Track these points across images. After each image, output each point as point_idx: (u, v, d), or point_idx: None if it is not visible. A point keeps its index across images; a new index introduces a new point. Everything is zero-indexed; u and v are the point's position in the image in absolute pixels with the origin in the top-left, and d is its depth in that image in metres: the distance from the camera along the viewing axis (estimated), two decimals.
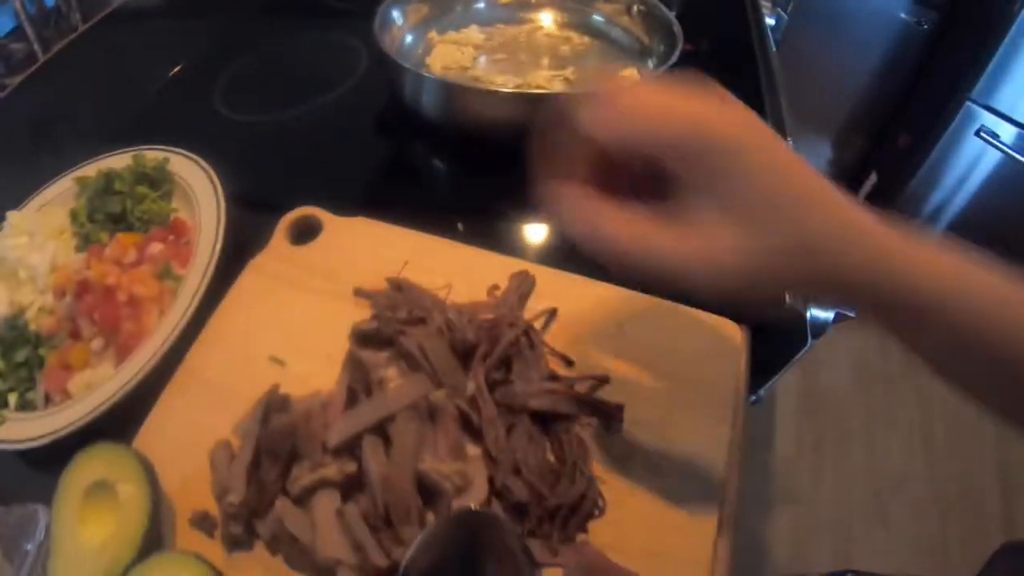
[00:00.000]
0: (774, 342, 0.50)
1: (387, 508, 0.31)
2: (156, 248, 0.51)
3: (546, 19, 0.76)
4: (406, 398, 0.34)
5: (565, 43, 0.74)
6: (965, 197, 2.19)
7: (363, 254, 0.49)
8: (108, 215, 0.55)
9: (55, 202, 0.58)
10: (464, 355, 0.37)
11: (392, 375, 0.37)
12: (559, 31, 0.75)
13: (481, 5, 0.77)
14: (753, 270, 0.25)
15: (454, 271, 0.47)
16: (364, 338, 0.41)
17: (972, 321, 0.25)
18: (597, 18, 0.76)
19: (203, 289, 0.47)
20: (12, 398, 0.46)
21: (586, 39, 0.74)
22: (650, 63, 0.68)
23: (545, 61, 0.71)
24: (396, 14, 0.70)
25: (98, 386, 0.44)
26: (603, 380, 0.40)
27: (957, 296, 0.25)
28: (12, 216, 0.56)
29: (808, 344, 0.54)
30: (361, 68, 0.76)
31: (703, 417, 0.40)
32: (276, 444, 0.33)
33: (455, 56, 0.71)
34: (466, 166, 0.65)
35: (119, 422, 0.41)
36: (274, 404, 0.36)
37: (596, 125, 0.26)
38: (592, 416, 0.37)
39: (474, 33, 0.74)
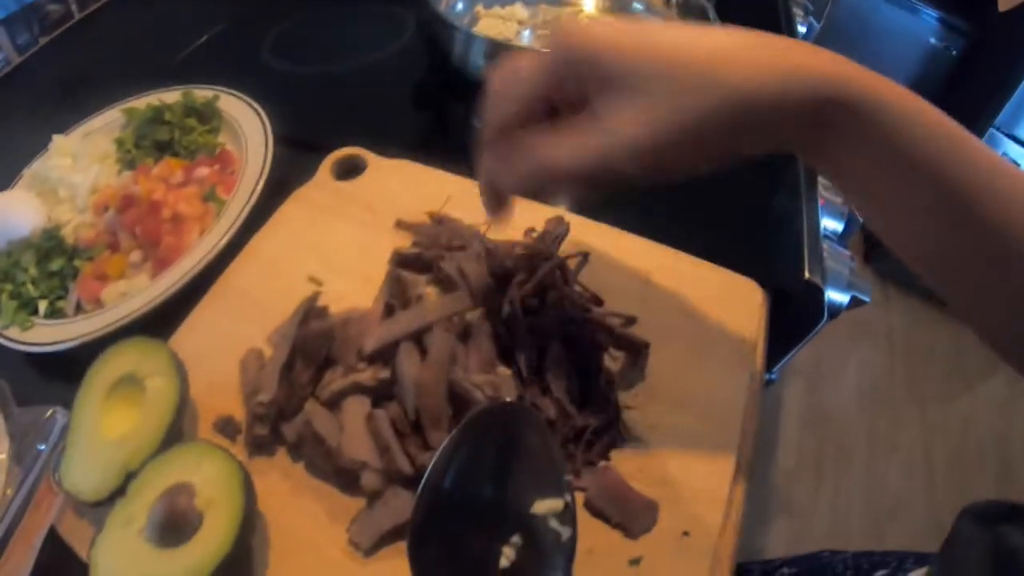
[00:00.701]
0: (791, 314, 0.51)
1: (418, 413, 0.32)
2: (203, 172, 0.53)
3: (588, 3, 0.78)
4: (444, 311, 0.35)
5: None
6: None
7: (405, 192, 0.50)
8: (155, 143, 0.56)
9: (102, 131, 0.59)
10: (501, 281, 0.38)
11: (430, 293, 0.38)
12: (599, 15, 0.77)
13: None
14: (668, 135, 0.25)
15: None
16: (404, 261, 0.42)
17: (920, 142, 0.26)
18: (637, 6, 0.77)
19: (246, 213, 0.48)
20: (42, 305, 0.47)
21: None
22: None
23: None
24: None
25: (133, 295, 0.45)
26: (631, 320, 0.41)
27: (909, 116, 0.26)
28: (56, 139, 0.57)
29: (824, 319, 0.55)
30: (407, 34, 0.77)
31: (725, 364, 0.41)
32: (312, 347, 0.34)
33: (500, 28, 0.72)
34: None
35: (151, 331, 0.41)
36: (313, 311, 0.37)
37: (505, 87, 0.29)
38: (620, 349, 0.38)
39: (519, 10, 0.76)
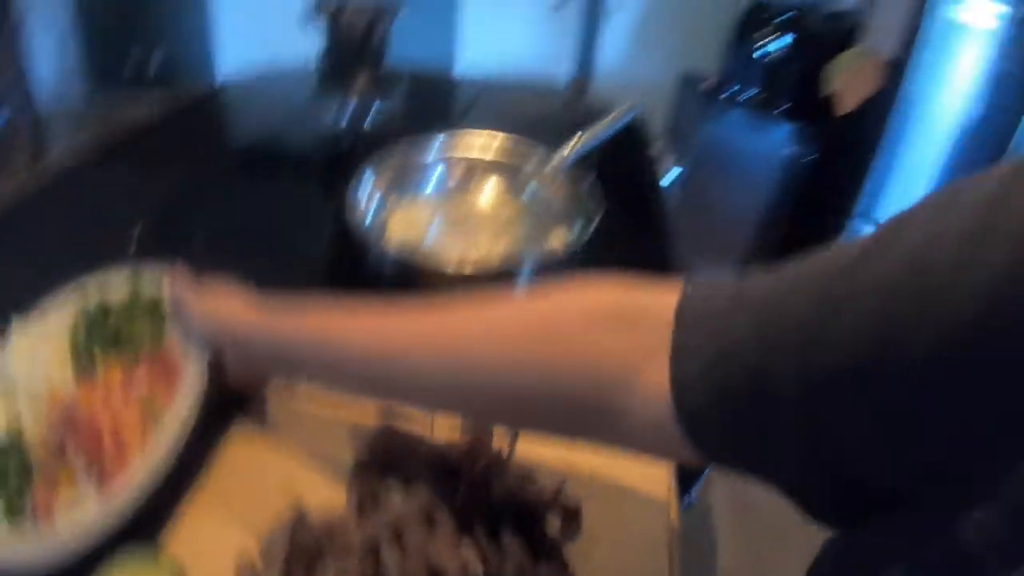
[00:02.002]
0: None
1: None
2: (143, 381, 0.54)
3: (488, 189, 0.91)
4: (411, 506, 0.43)
5: (504, 211, 0.88)
6: None
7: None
8: (103, 339, 0.58)
9: (55, 324, 0.59)
10: (450, 474, 0.47)
11: (393, 486, 0.46)
12: (499, 201, 0.90)
13: (436, 174, 0.91)
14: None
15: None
16: (364, 468, 0.50)
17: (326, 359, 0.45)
18: (531, 190, 0.90)
19: (183, 432, 0.50)
20: None
21: (522, 208, 0.88)
22: (576, 227, 0.80)
23: (488, 227, 0.86)
24: (369, 182, 0.82)
25: (82, 512, 0.46)
26: (560, 488, 0.49)
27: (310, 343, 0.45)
28: (17, 329, 0.58)
29: None
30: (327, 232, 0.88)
31: (645, 508, 0.51)
32: (304, 557, 0.41)
33: (412, 221, 0.84)
34: None
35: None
36: (298, 524, 0.44)
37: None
38: (556, 511, 0.47)
39: (428, 203, 0.88)
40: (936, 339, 0.24)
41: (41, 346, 0.58)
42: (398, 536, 0.42)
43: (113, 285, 0.62)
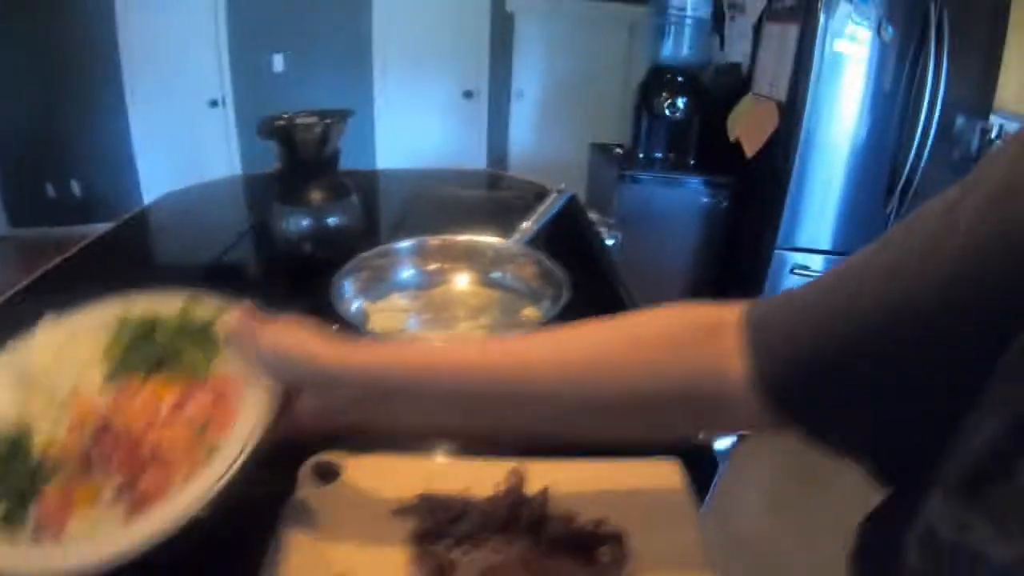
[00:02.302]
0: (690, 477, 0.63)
1: None
2: (197, 403, 0.48)
3: (460, 280, 0.97)
4: (485, 563, 0.45)
5: (475, 297, 0.94)
6: None
7: (386, 482, 0.60)
8: (144, 358, 0.51)
9: (92, 328, 0.53)
10: (503, 527, 0.50)
11: (456, 555, 0.48)
12: (470, 288, 0.96)
13: (408, 273, 0.96)
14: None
15: (466, 478, 0.59)
16: (423, 537, 0.51)
17: (456, 382, 0.45)
18: (496, 274, 0.97)
19: (239, 463, 0.44)
20: None
21: (492, 291, 0.95)
22: (545, 302, 0.88)
23: (462, 314, 0.91)
24: (348, 285, 0.87)
25: (102, 535, 0.41)
26: (601, 521, 0.52)
27: (446, 369, 0.46)
28: (45, 323, 0.53)
29: (720, 469, 0.69)
30: None
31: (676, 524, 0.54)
32: None
33: (390, 320, 0.88)
34: None
35: None
36: None
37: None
38: (605, 543, 0.50)
39: (401, 300, 0.93)
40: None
41: (71, 345, 0.52)
42: None
43: (163, 303, 0.56)
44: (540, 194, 1.09)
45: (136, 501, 0.43)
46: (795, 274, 2.43)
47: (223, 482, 0.42)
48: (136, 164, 4.18)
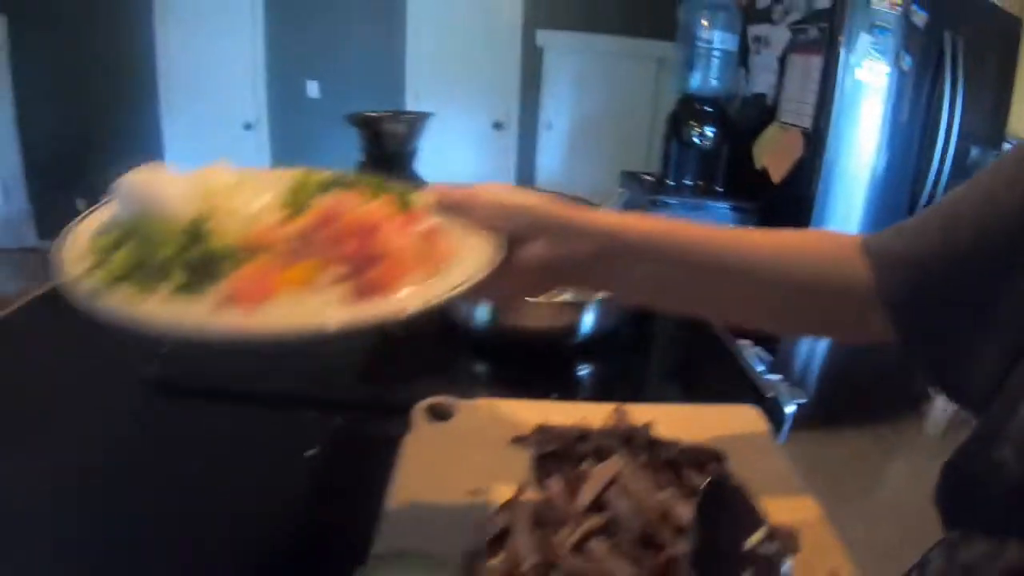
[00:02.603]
0: None
1: (646, 527, 0.47)
2: (423, 227, 0.46)
3: None
4: (620, 462, 0.51)
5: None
6: (823, 348, 2.62)
7: (502, 421, 0.66)
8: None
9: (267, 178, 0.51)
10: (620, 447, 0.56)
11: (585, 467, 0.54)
12: None
13: None
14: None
15: (574, 416, 0.65)
16: (544, 459, 0.57)
17: (678, 249, 0.50)
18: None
19: (467, 284, 0.42)
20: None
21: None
22: None
23: None
24: None
25: (312, 311, 0.39)
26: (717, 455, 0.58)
27: (670, 236, 0.50)
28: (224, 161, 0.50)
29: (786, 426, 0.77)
30: None
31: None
32: (544, 514, 0.49)
33: None
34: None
35: None
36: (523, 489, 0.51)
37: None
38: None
39: None
40: None
41: (246, 186, 0.48)
42: (623, 490, 0.50)
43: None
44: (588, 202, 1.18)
45: (361, 289, 0.41)
46: None
47: (451, 294, 0.41)
48: None
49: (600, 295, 0.89)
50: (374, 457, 0.62)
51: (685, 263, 0.50)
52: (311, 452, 0.64)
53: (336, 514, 0.57)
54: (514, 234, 0.47)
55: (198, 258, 0.40)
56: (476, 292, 0.43)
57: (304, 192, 0.48)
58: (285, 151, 4.27)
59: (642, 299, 0.55)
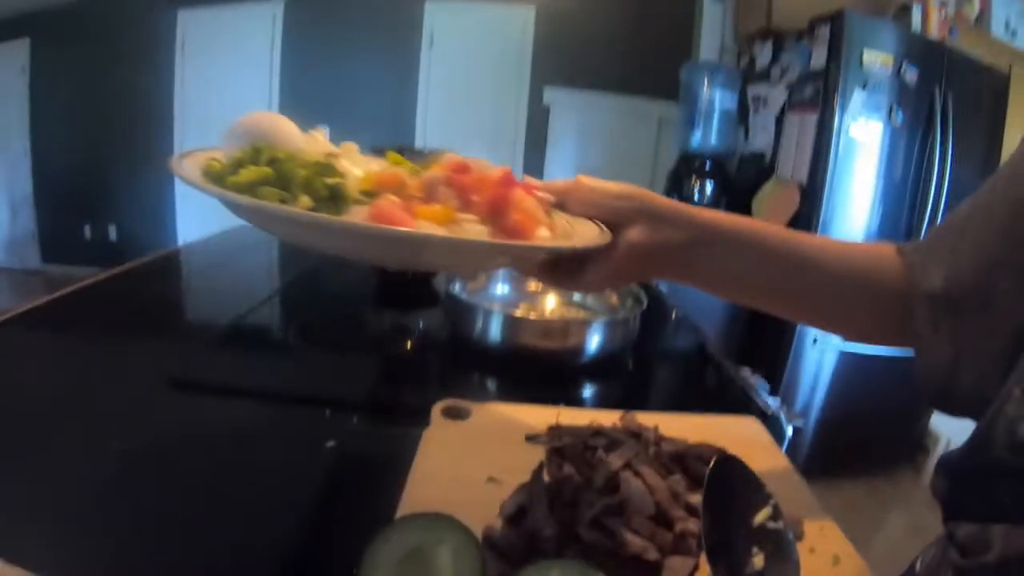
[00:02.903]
0: None
1: (658, 506, 0.49)
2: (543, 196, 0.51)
3: (550, 302, 1.10)
4: (631, 451, 0.54)
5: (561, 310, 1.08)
6: (821, 397, 2.64)
7: (516, 422, 0.69)
8: None
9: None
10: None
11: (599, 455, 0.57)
12: (556, 306, 1.10)
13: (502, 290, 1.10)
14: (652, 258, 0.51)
15: (584, 420, 0.68)
16: (558, 454, 0.60)
17: (780, 244, 0.54)
18: (577, 297, 1.11)
19: (591, 244, 0.47)
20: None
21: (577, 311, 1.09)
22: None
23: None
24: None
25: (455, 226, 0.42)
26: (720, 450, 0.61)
27: (769, 232, 0.54)
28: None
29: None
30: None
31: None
32: (563, 490, 0.51)
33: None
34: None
35: None
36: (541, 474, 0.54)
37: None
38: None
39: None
40: None
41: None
42: (637, 475, 0.52)
43: None
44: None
45: (501, 231, 0.44)
46: (816, 345, 2.53)
47: (583, 246, 0.46)
48: (176, 216, 4.37)
49: (605, 318, 0.93)
50: (391, 451, 0.65)
51: (768, 257, 0.54)
52: (331, 444, 0.67)
53: (356, 501, 0.59)
54: (616, 218, 0.50)
55: (330, 187, 0.42)
56: (585, 266, 0.49)
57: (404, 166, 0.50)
58: None
59: (724, 290, 0.57)
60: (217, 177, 0.42)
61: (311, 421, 0.72)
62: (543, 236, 0.46)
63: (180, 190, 4.31)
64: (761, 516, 0.47)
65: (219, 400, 0.76)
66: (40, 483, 0.57)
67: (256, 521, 0.56)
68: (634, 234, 0.50)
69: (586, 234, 0.49)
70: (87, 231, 4.47)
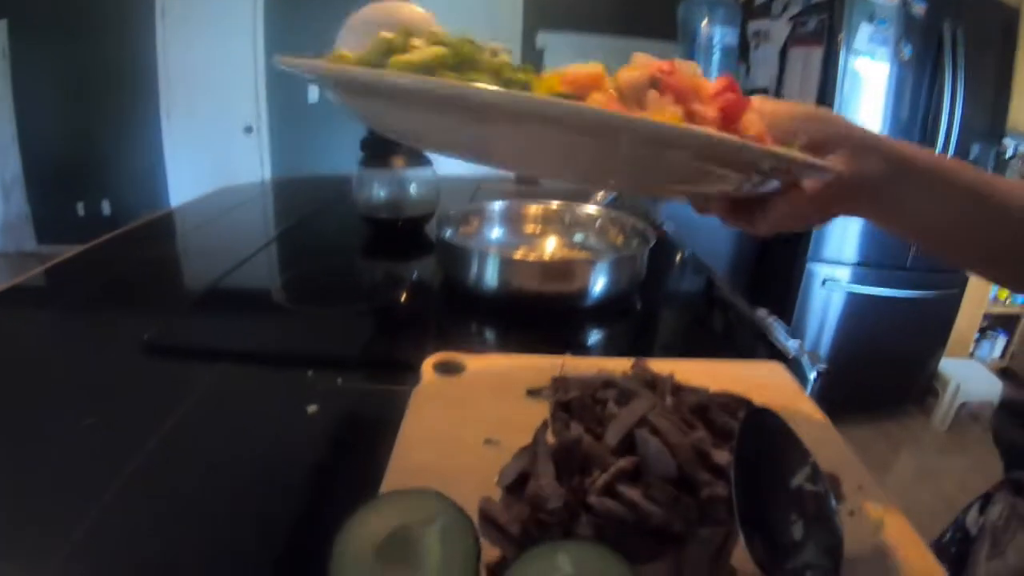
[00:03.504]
0: None
1: (680, 468, 0.42)
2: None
3: (550, 244, 1.04)
4: (647, 403, 0.47)
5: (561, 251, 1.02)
6: (829, 338, 2.59)
7: (512, 374, 0.62)
8: None
9: None
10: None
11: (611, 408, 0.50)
12: (556, 247, 1.03)
13: (496, 233, 1.03)
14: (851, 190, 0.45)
15: (591, 369, 0.61)
16: (567, 404, 0.53)
17: (973, 184, 0.47)
18: (579, 236, 1.04)
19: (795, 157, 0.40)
20: None
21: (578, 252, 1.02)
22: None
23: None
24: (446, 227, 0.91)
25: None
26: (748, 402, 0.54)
27: (963, 171, 0.48)
28: None
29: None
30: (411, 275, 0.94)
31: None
32: (569, 456, 0.44)
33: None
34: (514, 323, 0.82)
35: None
36: (544, 436, 0.47)
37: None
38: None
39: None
40: None
41: None
42: (654, 432, 0.46)
43: None
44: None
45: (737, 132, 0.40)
46: (825, 287, 2.46)
47: (807, 159, 0.41)
48: (168, 187, 4.28)
49: (610, 256, 0.85)
50: (378, 414, 0.59)
51: (962, 196, 0.47)
52: (312, 409, 0.60)
53: (339, 471, 0.53)
54: (818, 141, 0.45)
55: (522, 81, 0.38)
56: (773, 201, 0.44)
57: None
58: (285, 155, 4.24)
59: (915, 232, 0.50)
60: (367, 62, 0.38)
61: (292, 383, 0.66)
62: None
63: (170, 156, 4.21)
64: (799, 477, 0.40)
65: (193, 365, 0.70)
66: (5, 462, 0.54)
67: (230, 498, 0.51)
68: (837, 162, 0.44)
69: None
70: (80, 208, 4.38)
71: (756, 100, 0.46)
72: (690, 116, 0.38)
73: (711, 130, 0.36)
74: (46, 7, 4.00)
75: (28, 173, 4.36)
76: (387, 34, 0.41)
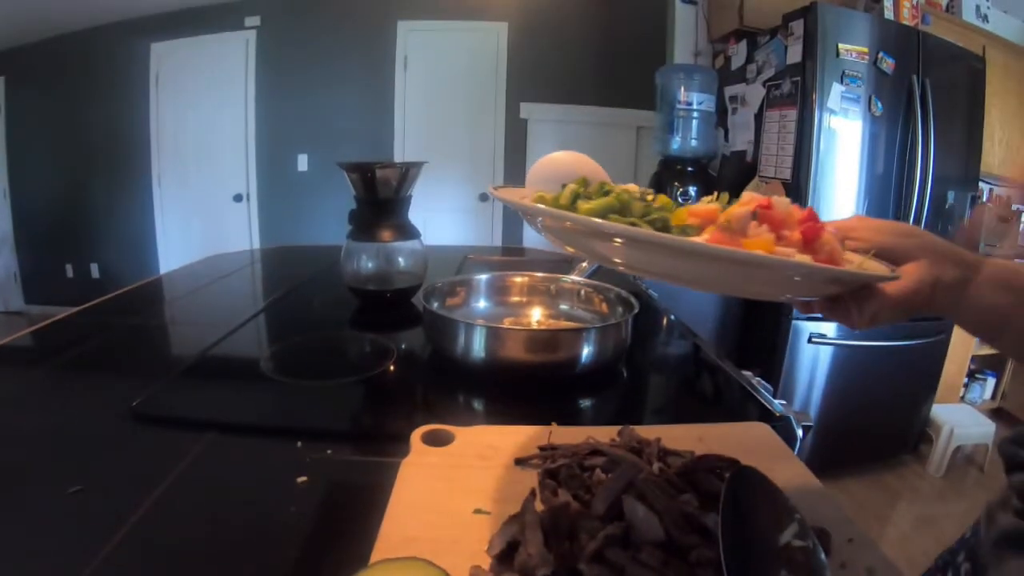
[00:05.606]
0: None
1: (668, 532, 0.43)
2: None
3: (535, 314, 1.06)
4: (634, 469, 0.48)
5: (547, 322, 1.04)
6: (819, 394, 2.59)
7: (500, 444, 0.63)
8: None
9: None
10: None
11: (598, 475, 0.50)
12: (541, 318, 1.05)
13: (482, 304, 1.05)
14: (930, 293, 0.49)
15: (578, 438, 0.62)
16: (554, 472, 0.54)
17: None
18: (565, 307, 1.06)
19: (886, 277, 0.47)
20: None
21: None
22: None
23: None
24: (432, 301, 0.92)
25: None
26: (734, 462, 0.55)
27: (1015, 270, 0.52)
28: None
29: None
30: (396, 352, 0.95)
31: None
32: (559, 522, 0.45)
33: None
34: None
35: None
36: (532, 504, 0.48)
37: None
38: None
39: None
40: None
41: None
42: (641, 497, 0.46)
43: None
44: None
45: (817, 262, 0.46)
46: (812, 343, 2.48)
47: (889, 276, 0.47)
48: (157, 253, 4.31)
49: (596, 325, 0.87)
50: (367, 484, 0.59)
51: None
52: (302, 479, 0.60)
53: (329, 542, 0.53)
54: (895, 254, 0.51)
55: (663, 219, 0.47)
56: (866, 299, 0.48)
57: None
58: (274, 223, 4.30)
59: (983, 329, 0.56)
60: (563, 206, 0.49)
61: (282, 454, 0.66)
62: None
63: (161, 221, 4.26)
64: (787, 534, 0.41)
65: (182, 433, 0.70)
66: None
67: (219, 568, 0.50)
68: (918, 269, 0.50)
69: (875, 269, 0.50)
70: (69, 270, 4.41)
71: (856, 218, 0.54)
72: (780, 239, 0.46)
73: (773, 255, 0.43)
74: (44, 67, 4.11)
75: (18, 231, 4.39)
76: (572, 185, 0.53)
